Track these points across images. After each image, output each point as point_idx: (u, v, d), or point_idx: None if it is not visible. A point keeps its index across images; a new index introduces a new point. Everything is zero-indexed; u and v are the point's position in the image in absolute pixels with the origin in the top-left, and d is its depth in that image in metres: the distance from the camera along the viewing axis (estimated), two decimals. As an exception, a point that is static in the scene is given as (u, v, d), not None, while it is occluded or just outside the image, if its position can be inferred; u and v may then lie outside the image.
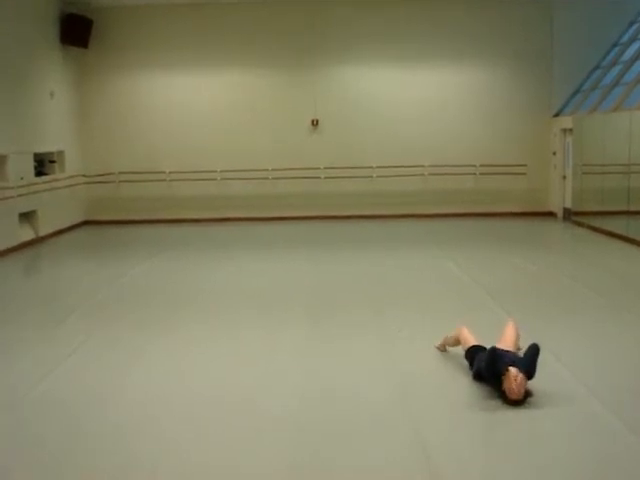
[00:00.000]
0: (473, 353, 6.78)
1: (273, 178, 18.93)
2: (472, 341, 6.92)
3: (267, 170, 18.87)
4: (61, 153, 17.58)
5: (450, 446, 5.40)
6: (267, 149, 18.86)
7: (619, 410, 5.93)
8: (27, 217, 15.73)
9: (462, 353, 7.02)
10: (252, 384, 6.76)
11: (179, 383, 6.85)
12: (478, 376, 6.60)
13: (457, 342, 7.20)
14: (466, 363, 6.89)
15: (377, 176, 18.86)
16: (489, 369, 6.30)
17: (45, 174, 16.82)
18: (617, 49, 17.80)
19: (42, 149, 16.60)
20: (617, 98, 15.97)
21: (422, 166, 18.83)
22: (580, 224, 16.74)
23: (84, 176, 18.94)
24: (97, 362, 7.59)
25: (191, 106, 18.93)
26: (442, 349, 7.51)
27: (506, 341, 6.82)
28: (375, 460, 5.19)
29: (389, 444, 5.44)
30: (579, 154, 17.08)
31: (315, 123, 18.91)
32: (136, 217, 19.03)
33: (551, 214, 18.69)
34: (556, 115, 18.59)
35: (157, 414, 6.12)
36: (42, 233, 16.24)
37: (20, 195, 15.15)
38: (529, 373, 6.25)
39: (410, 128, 18.79)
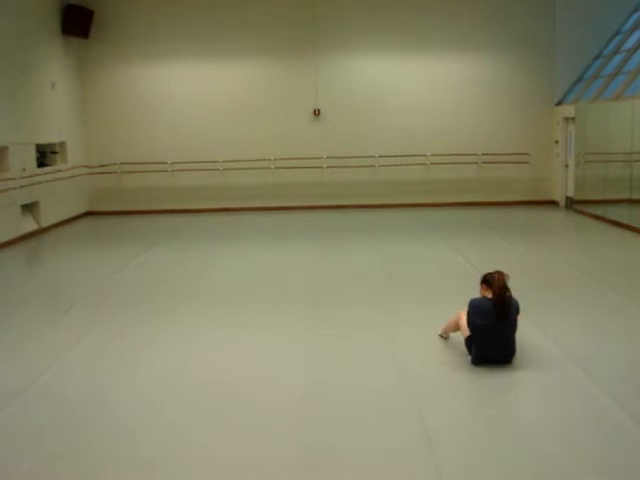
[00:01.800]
0: (471, 342, 6.82)
1: (275, 168, 18.92)
2: (468, 331, 6.94)
3: (269, 160, 18.86)
4: (63, 144, 17.58)
5: (453, 434, 5.42)
6: (269, 139, 18.84)
7: (621, 398, 5.95)
8: (29, 208, 15.74)
9: (463, 340, 7.06)
10: (256, 375, 6.76)
11: (182, 375, 6.85)
12: (477, 358, 6.66)
13: (457, 327, 7.22)
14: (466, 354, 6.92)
15: (379, 166, 18.85)
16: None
17: (47, 165, 16.82)
18: (619, 38, 17.76)
19: (44, 140, 16.59)
20: (619, 86, 15.93)
21: (424, 155, 18.82)
22: (582, 212, 16.73)
23: (86, 167, 18.94)
24: (99, 354, 7.60)
25: (193, 97, 18.91)
26: (445, 336, 7.53)
27: None
28: (380, 449, 5.20)
29: (393, 433, 5.46)
30: (581, 143, 17.06)
31: (317, 113, 18.89)
32: (138, 208, 19.04)
33: (553, 203, 18.68)
34: (558, 104, 18.56)
35: (160, 407, 6.12)
36: (44, 224, 16.25)
37: (22, 186, 15.15)
38: None
39: (413, 118, 18.78)
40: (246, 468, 5.01)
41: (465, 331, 6.95)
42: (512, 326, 6.74)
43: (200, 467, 5.03)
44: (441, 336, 7.57)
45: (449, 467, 4.91)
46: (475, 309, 6.80)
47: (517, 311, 6.79)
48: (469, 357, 6.81)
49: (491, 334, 6.61)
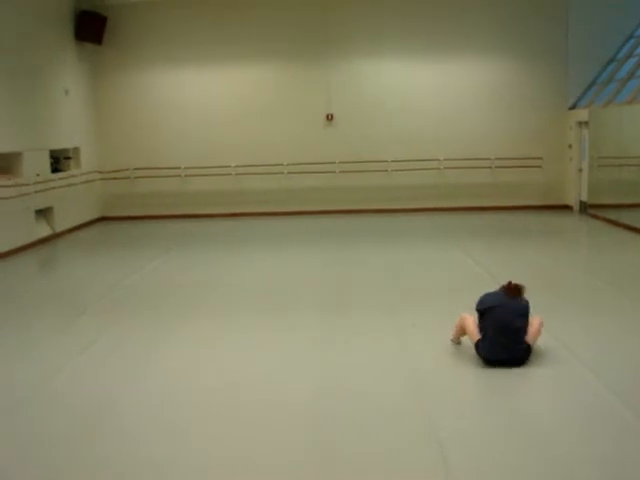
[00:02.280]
0: (480, 345, 6.85)
1: (288, 173, 18.94)
2: (476, 334, 6.96)
3: (282, 165, 18.89)
4: (76, 150, 17.67)
5: (464, 438, 5.41)
6: (282, 144, 18.87)
7: (629, 398, 5.93)
8: (43, 213, 15.83)
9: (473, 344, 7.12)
10: (267, 379, 6.78)
11: (193, 380, 6.87)
12: (488, 353, 6.64)
13: (463, 331, 7.24)
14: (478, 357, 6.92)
15: (392, 170, 18.84)
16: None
17: (61, 171, 16.90)
18: (632, 42, 17.68)
19: (57, 146, 16.68)
20: (633, 90, 15.87)
21: (437, 160, 18.79)
22: (596, 217, 16.66)
23: (99, 172, 19.02)
24: (110, 359, 7.62)
25: (206, 101, 18.97)
26: (457, 341, 7.52)
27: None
28: (390, 453, 5.20)
29: (403, 437, 5.45)
30: (595, 147, 16.99)
31: (330, 117, 18.91)
32: (151, 213, 19.10)
33: (567, 207, 18.60)
34: (572, 108, 18.49)
35: (171, 411, 6.15)
36: (58, 229, 16.32)
37: (36, 192, 15.24)
38: None
39: (425, 122, 18.76)
40: (257, 473, 5.01)
41: (473, 335, 6.96)
42: (523, 318, 6.77)
43: (209, 471, 5.04)
44: (452, 341, 7.56)
45: (460, 471, 4.90)
46: (485, 296, 7.07)
47: (527, 306, 6.85)
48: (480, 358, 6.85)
49: (500, 317, 6.69)
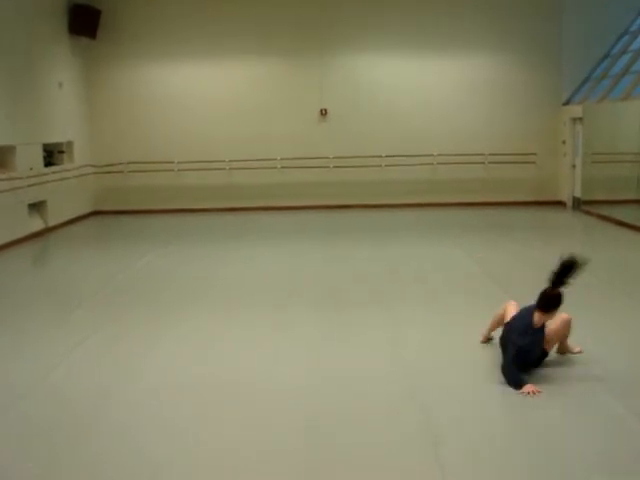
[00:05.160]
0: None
1: (282, 167, 18.92)
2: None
3: (276, 160, 18.87)
4: (70, 143, 17.61)
5: (460, 434, 5.40)
6: (276, 139, 18.84)
7: (629, 399, 5.94)
8: (36, 207, 15.77)
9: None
10: (266, 376, 6.74)
11: (188, 376, 6.83)
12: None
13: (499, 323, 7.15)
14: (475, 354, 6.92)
15: (386, 165, 18.84)
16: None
17: (54, 164, 16.85)
18: (626, 38, 17.70)
19: (51, 140, 16.62)
20: (627, 87, 15.90)
21: (431, 155, 18.79)
22: (589, 213, 16.68)
23: (93, 166, 18.96)
24: (106, 356, 7.58)
25: (200, 96, 18.92)
26: (486, 339, 7.36)
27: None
28: (385, 449, 5.19)
29: (399, 433, 5.45)
30: (589, 143, 17.01)
31: (324, 112, 18.89)
32: (145, 207, 19.05)
33: (560, 203, 18.63)
34: (566, 104, 18.51)
35: (166, 406, 6.12)
36: (51, 223, 16.27)
37: (29, 185, 15.18)
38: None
39: (419, 117, 18.76)
40: (255, 471, 5.00)
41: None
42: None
43: (207, 470, 5.02)
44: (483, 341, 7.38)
45: (455, 469, 4.91)
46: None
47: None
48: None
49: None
